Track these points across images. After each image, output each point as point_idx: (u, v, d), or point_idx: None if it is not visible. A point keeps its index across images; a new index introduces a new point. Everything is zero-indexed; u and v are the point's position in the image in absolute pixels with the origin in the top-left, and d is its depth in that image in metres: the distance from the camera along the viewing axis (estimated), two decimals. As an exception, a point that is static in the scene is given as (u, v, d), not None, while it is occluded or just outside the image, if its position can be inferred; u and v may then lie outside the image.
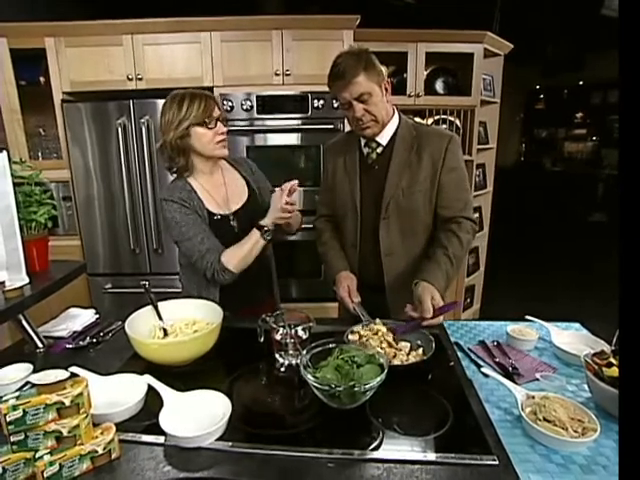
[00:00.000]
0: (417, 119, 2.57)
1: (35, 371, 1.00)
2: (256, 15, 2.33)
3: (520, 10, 3.85)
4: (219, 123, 1.32)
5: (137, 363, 1.07)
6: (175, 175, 1.40)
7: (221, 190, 1.40)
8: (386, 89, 1.29)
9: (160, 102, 2.33)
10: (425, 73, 2.71)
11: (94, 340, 1.22)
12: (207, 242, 1.29)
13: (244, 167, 1.51)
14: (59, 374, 0.71)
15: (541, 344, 1.19)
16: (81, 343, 1.20)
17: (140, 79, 2.31)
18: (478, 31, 2.63)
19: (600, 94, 7.31)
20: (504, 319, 1.35)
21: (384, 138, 1.34)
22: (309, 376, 0.88)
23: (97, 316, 1.38)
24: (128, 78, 2.30)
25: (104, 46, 2.27)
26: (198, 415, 0.84)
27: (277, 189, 1.28)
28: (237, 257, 1.28)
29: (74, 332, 1.27)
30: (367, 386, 0.84)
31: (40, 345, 1.19)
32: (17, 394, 0.70)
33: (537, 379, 0.99)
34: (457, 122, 2.83)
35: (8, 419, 0.67)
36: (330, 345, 0.98)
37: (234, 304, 1.31)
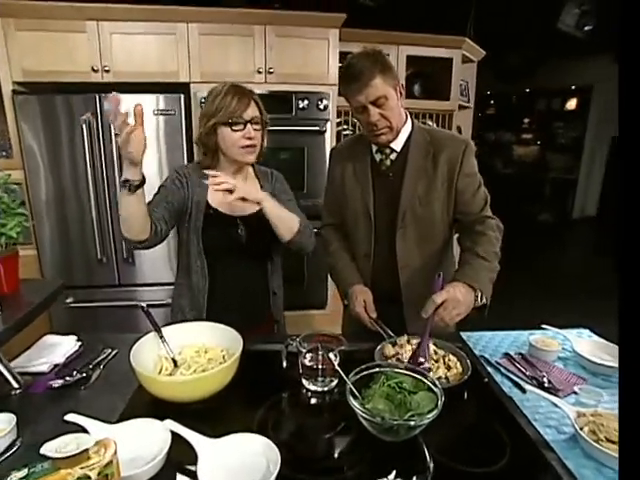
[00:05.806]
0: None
1: (18, 420, 0.83)
2: (237, 7, 2.18)
3: (483, 18, 3.98)
4: (249, 126, 1.21)
5: (144, 401, 0.92)
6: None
7: None
8: (400, 93, 1.23)
9: (131, 97, 2.14)
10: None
11: (83, 374, 1.04)
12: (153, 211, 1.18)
13: (268, 179, 1.42)
14: (81, 441, 0.56)
15: (562, 354, 1.19)
16: (68, 379, 1.02)
17: (107, 71, 2.07)
18: (457, 37, 2.67)
19: (544, 101, 7.87)
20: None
21: (398, 144, 1.28)
22: (358, 408, 0.79)
23: (80, 343, 1.20)
24: (93, 69, 2.06)
25: (64, 32, 2.01)
26: (241, 467, 0.72)
27: None
28: (121, 222, 1.11)
29: (55, 365, 1.08)
30: (429, 416, 0.77)
31: (16, 385, 0.99)
32: (25, 472, 0.54)
33: (575, 392, 0.98)
34: (435, 126, 2.86)
35: (19, 505, 0.52)
36: (374, 369, 0.90)
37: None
